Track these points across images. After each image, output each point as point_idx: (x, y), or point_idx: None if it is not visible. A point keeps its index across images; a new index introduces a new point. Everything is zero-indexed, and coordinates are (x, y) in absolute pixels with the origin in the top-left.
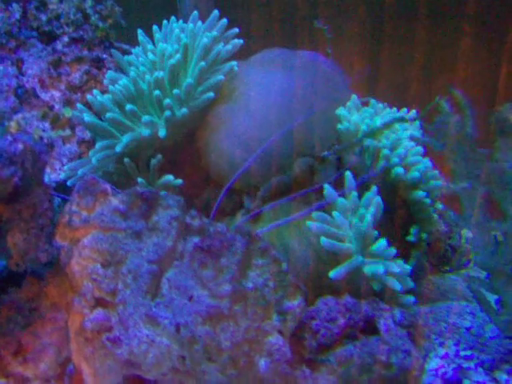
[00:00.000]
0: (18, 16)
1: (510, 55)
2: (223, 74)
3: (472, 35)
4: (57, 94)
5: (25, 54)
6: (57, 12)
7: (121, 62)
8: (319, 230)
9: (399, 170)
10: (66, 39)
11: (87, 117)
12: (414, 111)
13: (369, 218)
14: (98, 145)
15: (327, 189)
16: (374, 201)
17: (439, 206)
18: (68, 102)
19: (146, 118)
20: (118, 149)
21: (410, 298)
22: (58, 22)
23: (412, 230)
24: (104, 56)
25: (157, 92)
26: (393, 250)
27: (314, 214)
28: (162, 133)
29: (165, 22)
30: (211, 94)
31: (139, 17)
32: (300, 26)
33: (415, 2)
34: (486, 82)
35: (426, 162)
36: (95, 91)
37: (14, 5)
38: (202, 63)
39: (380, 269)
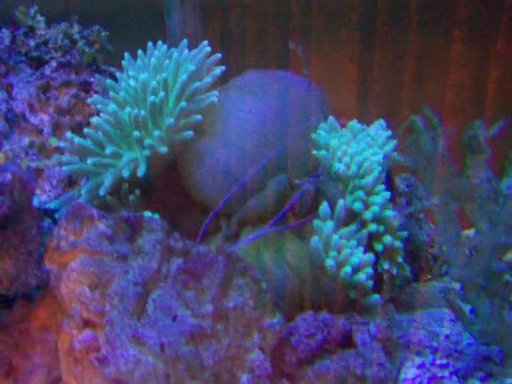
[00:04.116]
0: (7, 42)
1: (499, 60)
2: (203, 111)
3: (462, 41)
4: (46, 117)
5: (14, 79)
6: (45, 37)
7: (105, 86)
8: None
9: (359, 205)
10: (54, 64)
11: (66, 167)
12: (389, 133)
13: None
14: (83, 189)
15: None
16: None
17: (420, 216)
18: (57, 126)
19: (126, 157)
20: (102, 193)
21: (376, 297)
22: (46, 47)
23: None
24: (91, 80)
25: (136, 133)
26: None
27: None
28: (140, 172)
29: (150, 44)
30: (190, 133)
31: (128, 36)
32: (294, 31)
33: (406, 8)
34: (475, 86)
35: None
36: (68, 135)
37: (4, 30)
38: (183, 103)
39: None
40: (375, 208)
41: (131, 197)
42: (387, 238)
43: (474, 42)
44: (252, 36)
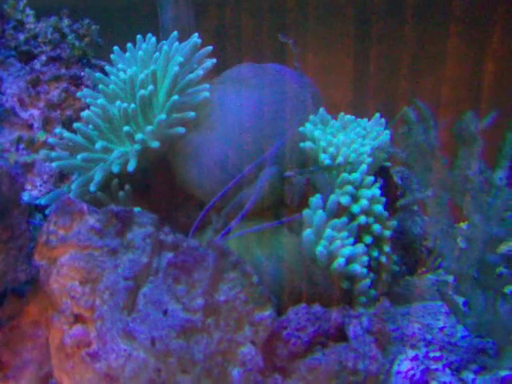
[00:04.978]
0: None
1: (496, 54)
2: (195, 106)
3: (458, 35)
4: (36, 112)
5: (4, 74)
6: (34, 31)
7: (95, 80)
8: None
9: (346, 199)
10: (43, 58)
11: (55, 163)
12: (383, 120)
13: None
14: (74, 185)
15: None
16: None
17: (414, 208)
18: (47, 120)
19: (116, 153)
20: (93, 188)
21: (372, 292)
22: (36, 41)
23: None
24: (82, 73)
25: (126, 128)
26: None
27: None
28: (131, 167)
29: (139, 36)
30: (182, 129)
31: (121, 30)
32: (290, 25)
33: (402, 2)
34: (472, 80)
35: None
36: (58, 130)
37: None
38: (175, 97)
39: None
40: (363, 202)
41: (121, 192)
42: (376, 226)
43: (469, 35)
44: (248, 31)
